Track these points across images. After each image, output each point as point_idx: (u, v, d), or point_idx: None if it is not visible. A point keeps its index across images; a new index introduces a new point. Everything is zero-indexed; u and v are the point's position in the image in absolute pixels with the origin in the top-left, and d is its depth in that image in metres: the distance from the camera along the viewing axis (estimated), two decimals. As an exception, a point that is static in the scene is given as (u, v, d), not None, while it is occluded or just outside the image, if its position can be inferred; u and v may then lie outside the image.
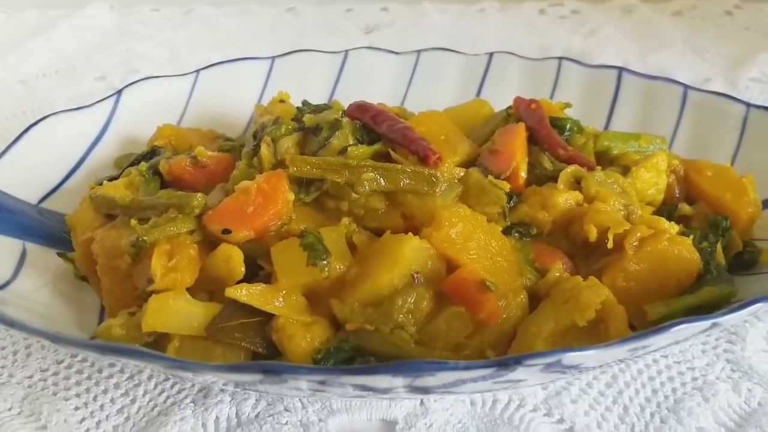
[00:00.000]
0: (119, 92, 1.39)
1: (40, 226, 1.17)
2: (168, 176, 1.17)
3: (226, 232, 0.96)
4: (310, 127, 1.14)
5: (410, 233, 0.95)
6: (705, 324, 0.76)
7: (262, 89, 1.52)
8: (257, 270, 0.99)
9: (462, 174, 1.06)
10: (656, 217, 1.03)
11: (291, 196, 1.00)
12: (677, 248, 0.99)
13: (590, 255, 1.04)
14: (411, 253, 0.93)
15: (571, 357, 0.70)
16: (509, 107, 1.26)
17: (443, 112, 1.34)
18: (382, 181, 1.02)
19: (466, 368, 0.67)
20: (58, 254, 1.10)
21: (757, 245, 1.12)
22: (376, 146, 1.10)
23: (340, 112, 1.13)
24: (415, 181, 1.03)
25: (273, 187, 0.99)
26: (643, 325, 0.98)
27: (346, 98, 1.53)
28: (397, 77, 1.58)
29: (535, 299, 0.99)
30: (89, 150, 1.33)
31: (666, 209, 1.17)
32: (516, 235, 1.04)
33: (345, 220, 1.01)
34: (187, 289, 0.97)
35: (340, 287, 0.94)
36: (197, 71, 1.48)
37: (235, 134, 1.45)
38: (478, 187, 1.06)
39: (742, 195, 1.16)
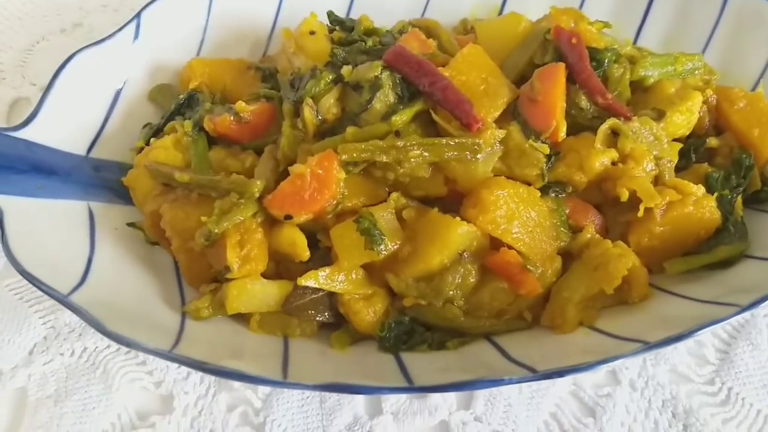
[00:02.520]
0: (138, 16, 1.32)
1: (99, 182, 1.22)
2: (214, 134, 1.19)
3: (288, 217, 1.04)
4: (350, 82, 1.13)
5: (458, 218, 1.03)
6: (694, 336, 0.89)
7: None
8: (317, 242, 1.09)
9: (503, 136, 1.10)
10: (684, 182, 1.09)
11: (342, 175, 1.06)
12: (701, 211, 1.08)
13: (620, 206, 1.12)
14: (459, 238, 1.02)
15: (600, 367, 0.85)
16: (547, 31, 1.22)
17: (478, 27, 1.30)
18: (428, 155, 1.06)
19: (519, 381, 0.82)
20: (128, 224, 1.18)
21: (775, 184, 1.20)
22: (418, 105, 1.11)
23: (380, 68, 1.11)
24: (459, 151, 1.07)
25: (326, 170, 1.04)
26: (662, 276, 1.11)
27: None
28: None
29: (568, 256, 1.11)
30: (121, 86, 1.32)
31: (693, 142, 1.22)
32: (553, 195, 1.11)
33: (394, 196, 1.07)
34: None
35: (394, 262, 1.05)
36: (212, -19, 1.38)
37: (259, 51, 1.41)
38: (519, 150, 1.10)
39: (768, 130, 1.20)
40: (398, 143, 1.04)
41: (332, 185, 1.05)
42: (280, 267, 1.10)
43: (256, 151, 1.20)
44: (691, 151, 1.22)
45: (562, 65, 1.15)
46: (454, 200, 1.11)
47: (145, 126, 1.28)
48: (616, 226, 1.14)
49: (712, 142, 1.22)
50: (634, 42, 1.45)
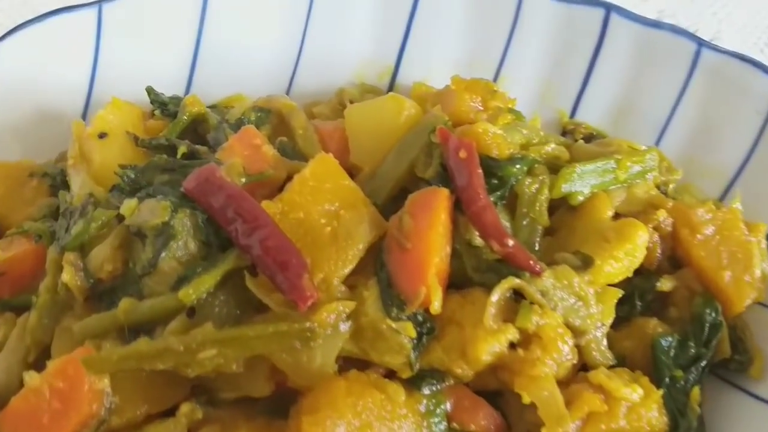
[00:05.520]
0: None
1: None
2: (-40, 288, 0.85)
3: (20, 451, 0.71)
4: (134, 228, 0.78)
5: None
6: None
7: (94, 53, 1.06)
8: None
9: (349, 311, 0.75)
10: (614, 382, 0.74)
11: (103, 384, 0.71)
12: (637, 424, 0.74)
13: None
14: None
15: None
16: (433, 130, 0.86)
17: (347, 114, 0.94)
18: (231, 352, 0.72)
19: None
20: None
21: (749, 350, 0.85)
22: (225, 265, 0.76)
23: (169, 211, 0.76)
24: (280, 342, 0.72)
25: (72, 382, 0.70)
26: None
27: (212, 56, 1.10)
28: (288, 15, 1.09)
29: (448, 475, 0.77)
30: None
31: (639, 284, 0.87)
32: (426, 390, 0.77)
33: (185, 408, 0.73)
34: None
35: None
36: (-7, 44, 1.01)
37: (63, 138, 1.04)
38: (374, 330, 0.75)
39: (743, 272, 0.84)
40: (175, 346, 0.70)
41: (84, 404, 0.70)
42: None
43: (25, 307, 0.85)
44: (635, 296, 0.87)
45: (443, 193, 0.80)
46: (290, 397, 0.77)
47: None
48: (521, 423, 0.80)
49: (665, 285, 0.86)
50: (573, 111, 1.09)
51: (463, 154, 0.81)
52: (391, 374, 0.78)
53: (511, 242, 0.78)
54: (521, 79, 1.07)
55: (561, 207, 0.89)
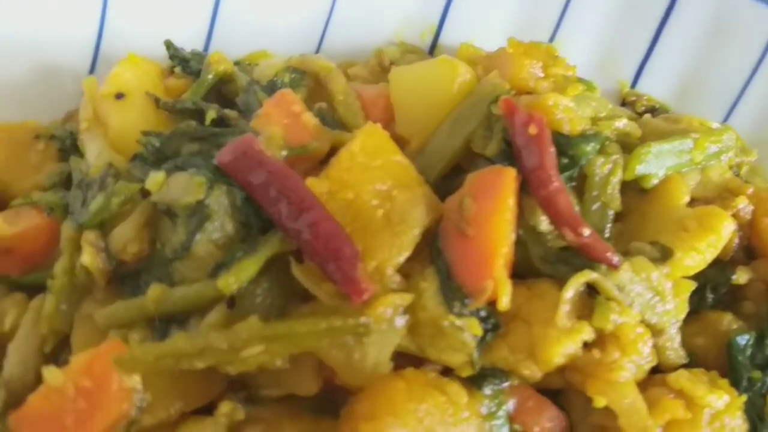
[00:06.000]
0: None
1: None
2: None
3: (42, 456, 0.63)
4: (162, 206, 0.69)
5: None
6: None
7: (102, 2, 0.94)
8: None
9: (407, 303, 0.67)
10: (697, 386, 0.68)
11: (134, 382, 0.64)
12: (720, 432, 0.68)
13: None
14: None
15: None
16: (494, 100, 0.77)
17: (392, 77, 0.84)
18: (279, 348, 0.64)
19: None
20: None
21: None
22: (269, 249, 0.67)
23: (204, 188, 0.67)
24: (332, 337, 0.65)
25: (99, 381, 0.62)
26: None
27: (234, 9, 0.98)
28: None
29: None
30: None
31: (712, 276, 0.80)
32: (488, 390, 0.70)
33: (225, 408, 0.66)
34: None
35: None
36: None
37: (68, 96, 0.93)
38: (434, 326, 0.68)
39: (828, 265, 0.78)
40: (218, 343, 0.62)
41: (113, 404, 0.62)
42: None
43: (37, 287, 0.77)
44: (707, 288, 0.80)
45: (510, 173, 0.71)
46: (338, 394, 0.70)
47: None
48: (584, 425, 0.73)
49: (741, 277, 0.79)
50: (635, 81, 1.00)
51: (533, 129, 0.73)
52: (446, 371, 0.72)
53: (587, 231, 0.70)
54: (579, 44, 0.97)
55: (629, 190, 0.81)
